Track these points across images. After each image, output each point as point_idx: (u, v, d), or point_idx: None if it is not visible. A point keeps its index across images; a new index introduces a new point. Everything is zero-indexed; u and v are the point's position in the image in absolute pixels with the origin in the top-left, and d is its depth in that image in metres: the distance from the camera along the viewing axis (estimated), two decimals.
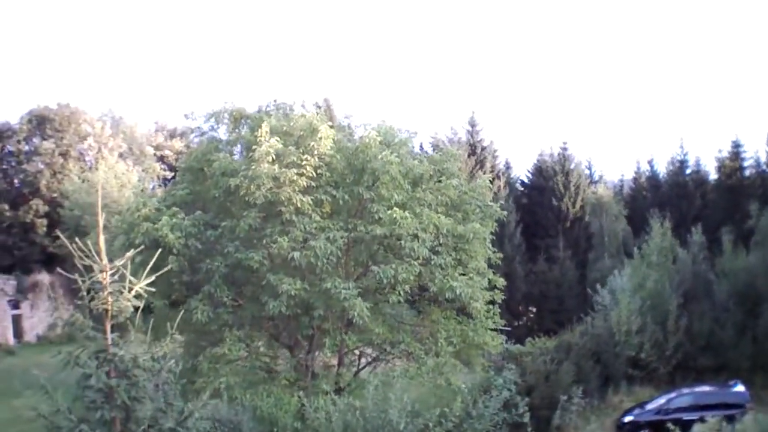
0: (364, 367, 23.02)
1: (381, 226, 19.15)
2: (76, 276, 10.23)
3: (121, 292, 10.26)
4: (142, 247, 13.94)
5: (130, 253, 10.36)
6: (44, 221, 52.07)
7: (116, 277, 10.35)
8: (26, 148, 56.81)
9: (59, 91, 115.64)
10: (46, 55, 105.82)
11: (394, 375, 18.80)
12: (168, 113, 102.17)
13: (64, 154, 55.10)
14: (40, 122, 56.63)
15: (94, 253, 10.03)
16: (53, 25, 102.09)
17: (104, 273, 10.12)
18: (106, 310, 10.21)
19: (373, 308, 19.36)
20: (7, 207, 53.15)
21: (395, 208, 19.06)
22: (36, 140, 56.52)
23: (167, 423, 10.43)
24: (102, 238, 10.24)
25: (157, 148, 62.11)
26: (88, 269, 10.14)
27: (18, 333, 46.00)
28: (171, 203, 21.26)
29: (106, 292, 10.14)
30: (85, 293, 10.18)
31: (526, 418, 16.40)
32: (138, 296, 10.38)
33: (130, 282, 10.32)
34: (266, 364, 21.68)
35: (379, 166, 19.40)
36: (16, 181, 57.63)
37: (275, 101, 22.25)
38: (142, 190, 34.01)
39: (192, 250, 19.72)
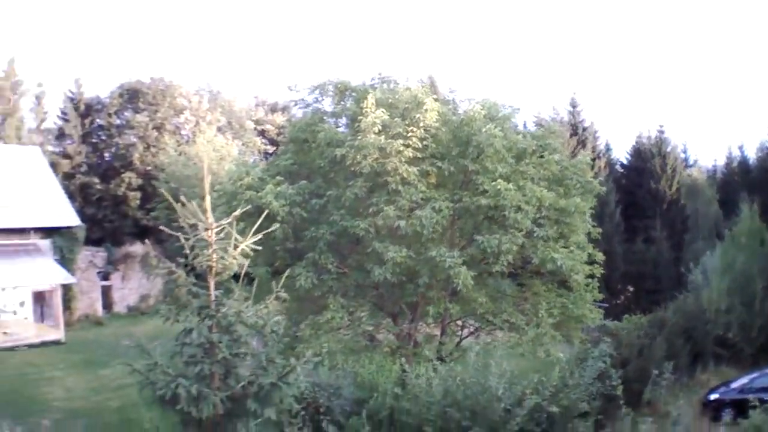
0: (466, 337, 23.77)
1: (485, 198, 19.83)
2: (180, 235, 10.85)
3: (227, 250, 10.86)
4: (246, 209, 14.46)
5: (237, 212, 11.08)
6: (137, 194, 53.91)
7: (222, 235, 10.92)
8: (117, 121, 58.79)
9: (152, 65, 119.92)
10: (139, 30, 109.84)
11: (495, 344, 19.39)
12: (267, 88, 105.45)
13: (159, 128, 56.80)
14: (132, 96, 58.71)
15: (199, 213, 10.59)
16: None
17: (210, 231, 10.71)
18: (211, 267, 10.82)
19: (477, 278, 20.01)
20: (97, 180, 55.31)
21: (500, 180, 19.72)
22: (128, 114, 58.61)
23: (268, 379, 10.84)
24: (208, 198, 10.77)
25: (257, 122, 63.39)
26: (193, 228, 10.75)
27: (108, 304, 47.82)
28: (275, 173, 22.41)
29: (211, 249, 10.74)
30: (188, 251, 10.81)
31: (619, 391, 16.67)
32: (244, 255, 10.96)
33: (236, 240, 10.95)
34: (368, 333, 22.70)
35: (484, 139, 20.07)
36: (106, 154, 59.74)
37: (380, 75, 23.01)
38: (243, 163, 34.95)
39: (296, 218, 20.62)
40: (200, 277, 11.03)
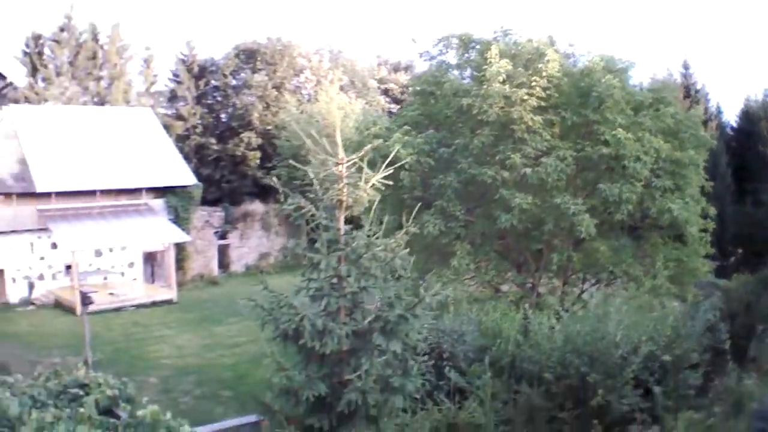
0: (587, 290, 24.75)
1: (606, 147, 20.91)
2: (308, 169, 11.36)
3: (357, 184, 11.29)
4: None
5: (367, 147, 11.80)
6: (257, 154, 55.86)
7: (353, 170, 11.36)
8: (234, 82, 60.95)
9: (265, 26, 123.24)
10: None
11: (613, 294, 20.24)
12: (390, 47, 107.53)
13: (278, 87, 58.61)
14: (248, 56, 60.90)
15: (328, 148, 11.04)
16: None
17: (340, 165, 11.14)
18: (341, 201, 11.22)
19: (598, 227, 20.94)
20: (214, 141, 57.53)
21: (619, 130, 20.77)
22: (244, 75, 60.61)
23: (395, 311, 11.10)
24: (339, 132, 11.39)
25: (380, 81, 64.50)
26: (323, 163, 11.32)
27: (225, 263, 49.44)
28: (401, 123, 23.80)
29: (342, 183, 11.16)
30: (317, 185, 11.28)
31: (727, 345, 17.11)
32: (376, 189, 11.45)
33: (367, 174, 11.45)
34: (493, 282, 23.99)
35: (603, 90, 21.15)
36: (223, 115, 61.93)
37: (502, 28, 24.09)
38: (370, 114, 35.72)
39: (424, 166, 21.98)
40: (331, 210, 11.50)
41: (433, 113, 24.00)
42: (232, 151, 56.90)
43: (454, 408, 13.48)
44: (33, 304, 39.10)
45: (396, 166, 12.00)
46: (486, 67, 21.54)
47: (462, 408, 13.56)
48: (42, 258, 40.73)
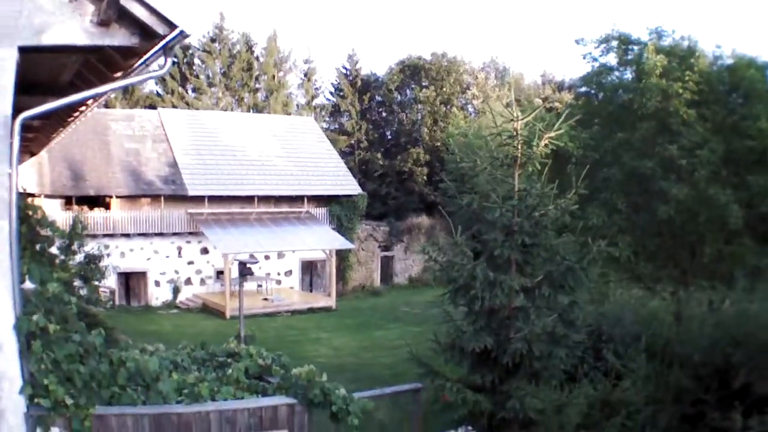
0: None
1: (752, 140, 25.46)
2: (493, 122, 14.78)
3: (532, 141, 14.41)
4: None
5: (539, 106, 16.17)
6: (424, 170, 63.13)
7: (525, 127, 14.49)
8: (399, 97, 69.04)
9: (428, 41, 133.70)
10: (413, 9, 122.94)
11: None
12: (553, 64, 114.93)
13: (445, 103, 65.96)
14: (413, 72, 68.39)
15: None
16: None
17: (515, 122, 14.40)
18: (516, 158, 14.38)
19: (744, 220, 25.08)
20: (380, 156, 65.20)
21: (764, 121, 25.28)
22: (408, 91, 68.76)
23: (563, 263, 13.68)
24: (512, 94, 15.68)
25: (545, 100, 69.97)
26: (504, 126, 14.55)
27: (387, 275, 56.29)
28: (568, 120, 29.52)
29: (517, 141, 14.27)
30: (489, 139, 15.08)
31: None
32: (546, 145, 14.67)
33: (540, 130, 14.75)
34: (650, 275, 28.10)
35: (749, 85, 25.94)
36: (388, 132, 70.26)
37: (656, 28, 28.94)
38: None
39: (589, 160, 26.56)
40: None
41: (597, 110, 29.25)
42: (399, 167, 64.88)
43: (609, 386, 15.79)
44: (177, 307, 45.98)
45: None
46: (643, 62, 26.54)
47: (616, 387, 15.85)
48: (191, 262, 48.05)
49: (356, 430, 12.74)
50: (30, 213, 11.84)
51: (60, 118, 20.25)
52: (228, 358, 15.22)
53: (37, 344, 9.93)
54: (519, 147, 14.55)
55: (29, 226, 11.74)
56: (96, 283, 24.20)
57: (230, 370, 13.67)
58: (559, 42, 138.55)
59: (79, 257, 21.31)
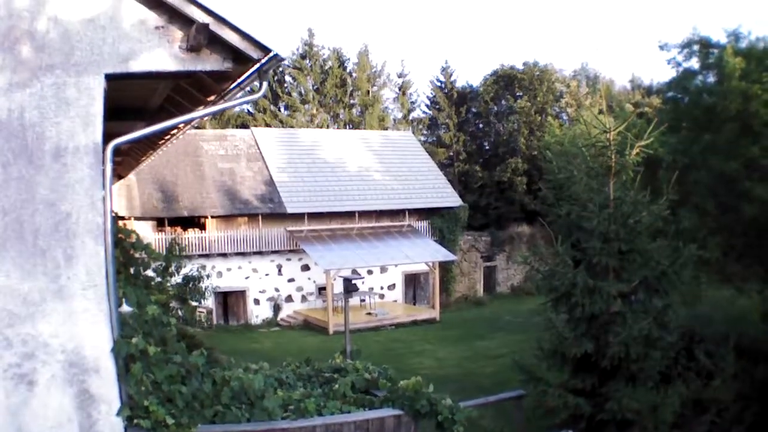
0: None
1: None
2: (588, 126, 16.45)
3: (624, 150, 15.54)
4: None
5: (631, 113, 18.61)
6: (523, 179, 65.83)
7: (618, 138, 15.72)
8: (495, 108, 72.39)
9: (517, 51, 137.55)
10: (503, 18, 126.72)
11: None
12: (643, 68, 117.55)
13: (540, 112, 68.99)
14: (507, 83, 71.52)
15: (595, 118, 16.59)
16: None
17: (609, 133, 15.80)
18: (609, 167, 15.67)
19: None
20: (478, 168, 68.30)
21: None
22: (503, 101, 72.01)
23: (658, 268, 14.90)
24: (605, 103, 18.88)
25: (635, 105, 72.57)
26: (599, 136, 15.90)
27: (490, 286, 58.82)
28: (657, 127, 31.97)
29: (611, 151, 15.56)
30: (584, 150, 16.25)
31: None
32: (638, 154, 15.93)
33: (632, 139, 16.00)
34: (740, 270, 29.78)
35: None
36: (485, 144, 73.79)
37: (734, 30, 30.70)
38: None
39: (678, 164, 28.19)
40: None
41: (683, 114, 31.24)
42: (498, 177, 67.84)
43: (700, 385, 16.99)
44: (278, 325, 48.86)
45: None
46: (723, 65, 28.56)
47: (708, 386, 17.11)
48: (291, 279, 50.98)
49: None
50: (123, 236, 12.86)
51: (150, 142, 21.69)
52: (334, 373, 16.19)
53: (137, 366, 10.77)
54: (612, 156, 15.88)
55: (123, 249, 12.72)
56: (194, 303, 26.74)
57: (336, 385, 14.55)
58: (646, 44, 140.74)
59: (176, 279, 23.90)
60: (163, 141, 21.51)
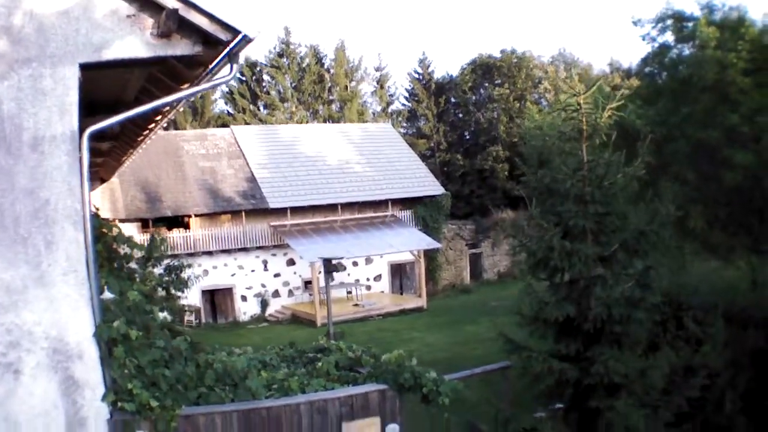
0: None
1: None
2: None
3: (594, 113, 15.69)
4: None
5: (599, 80, 17.58)
6: (504, 166, 67.04)
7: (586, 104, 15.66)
8: (474, 98, 73.48)
9: (497, 39, 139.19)
10: (479, 8, 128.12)
11: None
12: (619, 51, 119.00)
13: (519, 99, 70.17)
14: (485, 71, 72.68)
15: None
16: None
17: (579, 96, 15.71)
18: (581, 131, 15.67)
19: None
20: (460, 157, 69.15)
21: None
22: (483, 90, 73.09)
23: (636, 229, 14.92)
24: (574, 71, 19.47)
25: (614, 88, 74.25)
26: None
27: (477, 273, 59.66)
28: (633, 99, 32.23)
29: (581, 114, 15.60)
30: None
31: None
32: (610, 117, 16.07)
33: (603, 102, 16.14)
34: (724, 239, 30.45)
35: None
36: (466, 133, 74.66)
37: (706, 3, 31.43)
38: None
39: (657, 135, 28.75)
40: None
41: (660, 88, 32.01)
42: (480, 166, 69.26)
43: (690, 352, 17.43)
44: (266, 320, 49.40)
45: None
46: (697, 36, 29.47)
47: (697, 352, 17.51)
48: (277, 275, 51.57)
49: (447, 410, 14.12)
50: (106, 231, 13.18)
51: (129, 139, 21.95)
52: (317, 353, 16.38)
53: (120, 350, 11.02)
54: (584, 120, 15.77)
55: (105, 244, 13.00)
56: (179, 294, 27.20)
57: (320, 363, 14.71)
58: (623, 26, 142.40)
59: (159, 270, 24.38)
60: (141, 137, 21.69)
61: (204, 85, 12.22)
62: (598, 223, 15.66)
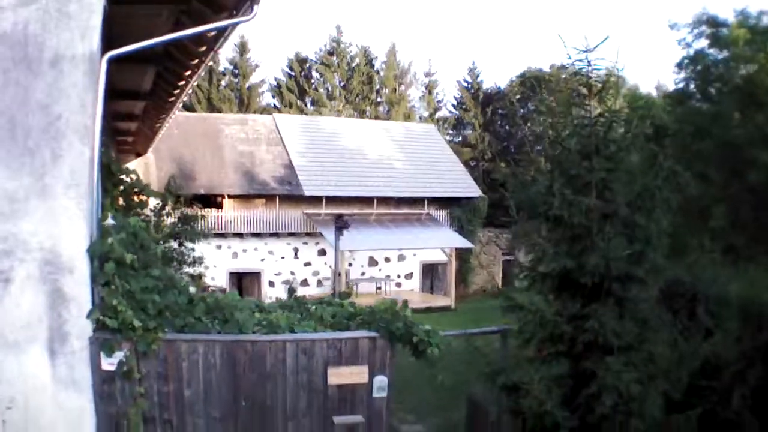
0: None
1: None
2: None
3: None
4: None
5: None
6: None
7: None
8: (521, 110, 74.68)
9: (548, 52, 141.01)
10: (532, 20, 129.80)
11: None
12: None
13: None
14: (533, 85, 74.29)
15: None
16: None
17: (588, 53, 14.65)
18: (591, 86, 15.00)
19: None
20: (503, 165, 70.47)
21: None
22: (530, 104, 74.13)
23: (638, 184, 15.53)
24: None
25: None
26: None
27: (509, 279, 57.88)
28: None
29: (590, 70, 15.41)
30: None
31: None
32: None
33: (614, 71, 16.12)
34: (746, 241, 30.85)
35: None
36: (511, 146, 75.93)
37: (741, 10, 32.61)
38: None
39: (684, 132, 30.73)
40: None
41: (690, 91, 33.22)
42: (523, 177, 69.78)
43: (699, 339, 16.72)
44: None
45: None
46: (730, 38, 30.44)
47: (706, 340, 16.95)
48: (308, 263, 52.44)
49: (435, 365, 14.11)
50: (123, 177, 13.59)
51: (160, 99, 21.77)
52: (318, 305, 16.11)
53: (110, 265, 11.08)
54: (591, 75, 15.24)
55: (124, 191, 13.53)
56: (192, 247, 27.75)
57: (314, 307, 14.78)
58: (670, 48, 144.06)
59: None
60: (172, 98, 21.66)
61: (227, 21, 12.56)
62: (603, 180, 14.95)
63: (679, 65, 34.56)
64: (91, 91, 10.98)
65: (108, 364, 11.50)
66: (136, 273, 11.55)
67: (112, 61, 11.24)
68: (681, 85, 35.19)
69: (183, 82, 18.59)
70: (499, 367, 15.51)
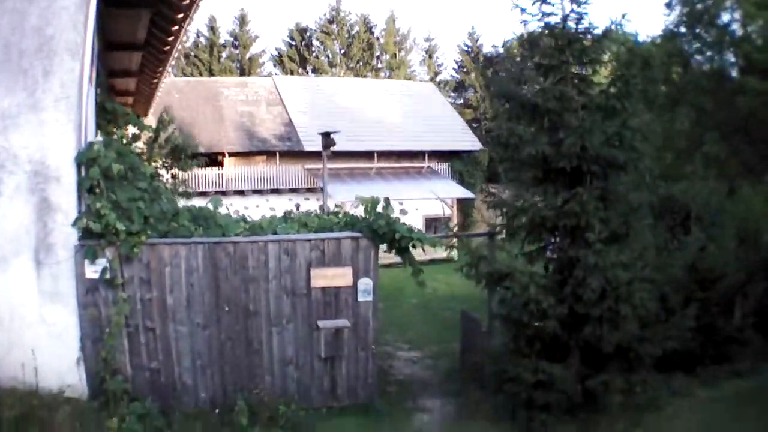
0: None
1: None
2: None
3: None
4: None
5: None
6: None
7: None
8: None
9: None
10: None
11: None
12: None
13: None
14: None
15: None
16: None
17: None
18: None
19: None
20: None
21: None
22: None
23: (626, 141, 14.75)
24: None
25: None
26: None
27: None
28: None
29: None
30: None
31: None
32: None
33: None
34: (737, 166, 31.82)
35: None
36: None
37: None
38: None
39: (672, 63, 31.85)
40: None
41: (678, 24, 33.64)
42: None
43: (695, 251, 17.58)
44: None
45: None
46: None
47: (703, 253, 17.77)
48: None
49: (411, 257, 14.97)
50: (118, 114, 14.49)
51: (156, 50, 21.33)
52: (302, 215, 16.98)
53: (95, 170, 11.78)
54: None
55: (117, 125, 14.20)
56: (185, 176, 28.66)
57: (297, 212, 15.30)
58: None
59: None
60: (168, 46, 20.89)
61: None
62: (578, 74, 15.82)
63: (668, 5, 35.06)
64: (82, 11, 11.66)
65: (92, 272, 12.10)
66: (123, 184, 12.18)
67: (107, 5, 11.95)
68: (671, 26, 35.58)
69: (176, 27, 18.43)
70: (480, 254, 16.80)
